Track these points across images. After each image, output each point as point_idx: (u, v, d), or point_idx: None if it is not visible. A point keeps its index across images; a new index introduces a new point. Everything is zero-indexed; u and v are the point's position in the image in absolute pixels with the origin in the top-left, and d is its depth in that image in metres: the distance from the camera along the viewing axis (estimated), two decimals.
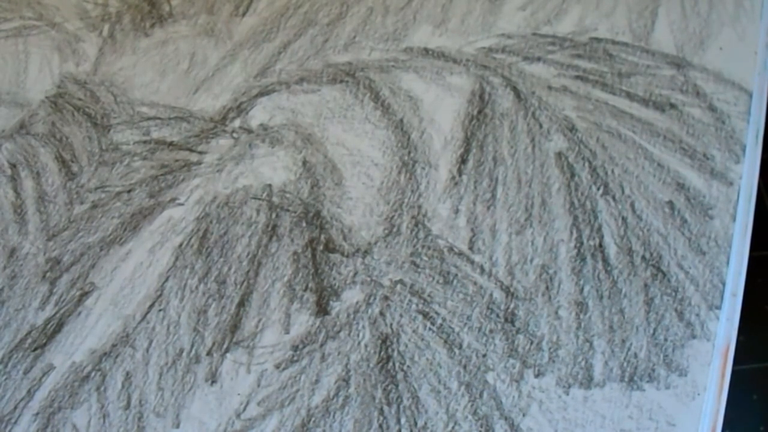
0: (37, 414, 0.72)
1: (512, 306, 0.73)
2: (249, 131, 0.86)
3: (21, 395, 0.73)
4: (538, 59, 0.87)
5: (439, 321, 0.73)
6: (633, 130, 0.81)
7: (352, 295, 0.75)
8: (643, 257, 0.74)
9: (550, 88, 0.85)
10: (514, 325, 0.72)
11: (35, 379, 0.73)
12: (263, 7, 0.95)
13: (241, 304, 0.75)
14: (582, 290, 0.73)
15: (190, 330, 0.75)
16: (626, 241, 0.75)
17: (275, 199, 0.81)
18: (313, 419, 0.70)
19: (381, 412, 0.70)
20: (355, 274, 0.76)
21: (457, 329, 0.72)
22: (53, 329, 0.76)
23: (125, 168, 0.85)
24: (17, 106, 0.90)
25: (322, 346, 0.73)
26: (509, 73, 0.86)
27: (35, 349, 0.75)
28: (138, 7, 0.97)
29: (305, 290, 0.76)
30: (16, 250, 0.80)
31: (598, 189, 0.78)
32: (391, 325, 0.73)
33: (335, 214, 0.80)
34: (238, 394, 0.71)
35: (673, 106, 0.82)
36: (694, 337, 0.70)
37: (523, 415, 0.68)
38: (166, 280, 0.77)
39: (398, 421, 0.69)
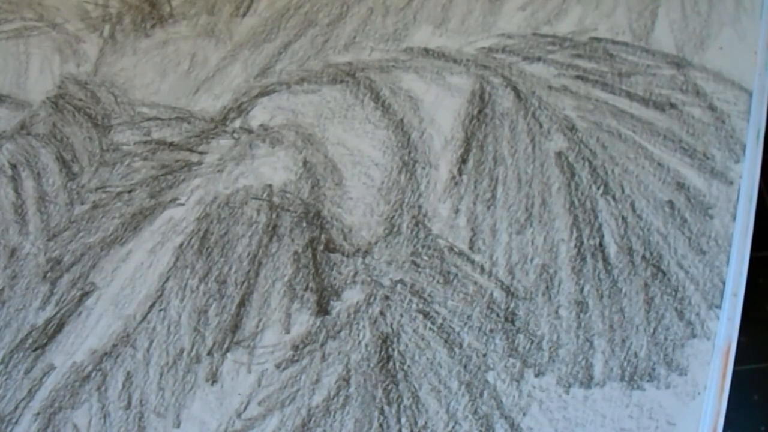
0: (38, 414, 0.72)
1: (512, 305, 0.73)
2: (249, 131, 0.86)
3: (22, 395, 0.73)
4: (538, 59, 0.87)
5: (440, 320, 0.73)
6: (633, 130, 0.81)
7: (353, 295, 0.75)
8: (643, 257, 0.74)
9: (550, 87, 0.85)
10: (514, 325, 0.72)
11: (36, 379, 0.74)
12: (263, 8, 0.95)
13: (242, 303, 0.76)
14: (582, 290, 0.73)
15: (190, 330, 0.75)
16: (626, 241, 0.75)
17: (276, 199, 0.81)
18: (313, 419, 0.70)
19: (381, 411, 0.70)
20: (356, 273, 0.76)
21: (457, 329, 0.72)
22: (54, 329, 0.76)
23: (126, 168, 0.85)
24: (18, 107, 0.90)
25: (322, 345, 0.73)
26: (509, 73, 0.86)
27: (36, 349, 0.75)
28: (138, 8, 0.97)
29: (306, 290, 0.76)
30: (17, 251, 0.80)
31: (598, 188, 0.78)
32: (392, 324, 0.73)
33: (335, 214, 0.80)
34: (239, 394, 0.71)
35: (673, 105, 0.82)
36: (694, 336, 0.70)
37: (524, 415, 0.68)
38: (167, 280, 0.77)
39: (398, 420, 0.69)
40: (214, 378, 0.72)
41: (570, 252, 0.75)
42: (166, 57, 0.93)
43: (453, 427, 0.68)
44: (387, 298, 0.74)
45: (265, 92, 0.89)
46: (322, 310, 0.75)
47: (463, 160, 0.81)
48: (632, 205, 0.77)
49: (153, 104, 0.89)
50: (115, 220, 0.81)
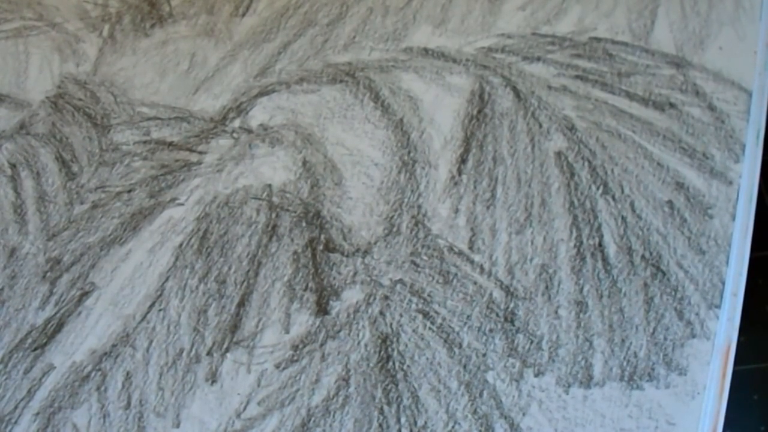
0: (38, 414, 0.72)
1: (512, 305, 0.73)
2: (249, 131, 0.86)
3: (21, 395, 0.73)
4: (538, 59, 0.87)
5: (439, 320, 0.73)
6: (632, 130, 0.81)
7: (352, 295, 0.75)
8: (643, 256, 0.74)
9: (549, 87, 0.85)
10: (513, 325, 0.72)
11: (35, 378, 0.74)
12: (263, 8, 0.95)
13: (241, 303, 0.76)
14: (582, 289, 0.73)
15: (190, 330, 0.75)
16: (626, 241, 0.75)
17: (275, 199, 0.81)
18: (313, 419, 0.70)
19: (381, 411, 0.70)
20: (355, 273, 0.76)
21: (456, 329, 0.72)
22: (53, 329, 0.76)
23: (125, 168, 0.85)
24: (18, 107, 0.90)
25: (322, 345, 0.73)
26: (509, 73, 0.86)
27: (35, 349, 0.75)
28: (138, 8, 0.97)
29: (305, 290, 0.76)
30: (17, 250, 0.80)
31: (598, 188, 0.78)
32: (391, 324, 0.73)
33: (335, 214, 0.80)
34: (239, 394, 0.71)
35: (672, 105, 0.82)
36: (693, 336, 0.70)
37: (523, 415, 0.68)
38: (167, 280, 0.77)
39: (398, 420, 0.69)
40: (213, 378, 0.72)
41: (569, 252, 0.75)
42: (165, 57, 0.93)
43: (452, 427, 0.68)
44: (386, 297, 0.74)
45: (264, 92, 0.89)
46: (322, 310, 0.75)
47: (463, 160, 0.81)
48: (632, 204, 0.77)
49: (152, 104, 0.89)
50: (115, 219, 0.81)
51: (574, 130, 0.81)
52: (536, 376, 0.70)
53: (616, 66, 0.85)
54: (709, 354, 0.69)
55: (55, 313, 0.77)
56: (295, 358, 0.72)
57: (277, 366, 0.72)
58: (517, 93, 0.85)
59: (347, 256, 0.77)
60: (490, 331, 0.72)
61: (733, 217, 0.75)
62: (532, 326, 0.72)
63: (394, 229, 0.78)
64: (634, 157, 0.79)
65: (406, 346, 0.72)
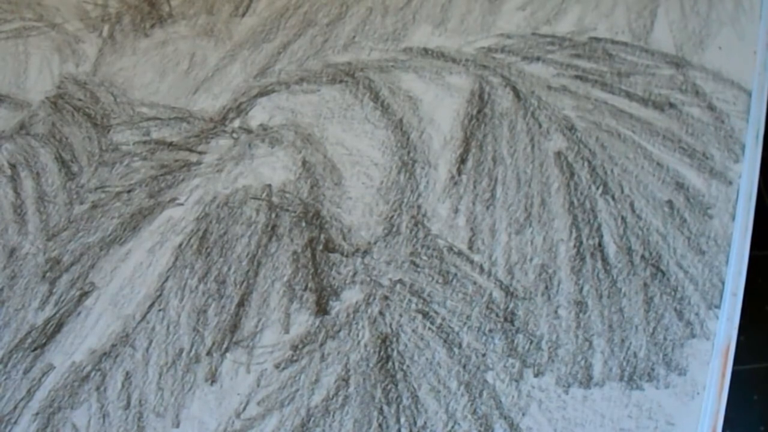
0: (37, 414, 0.72)
1: (512, 305, 0.73)
2: (249, 131, 0.86)
3: (21, 395, 0.73)
4: (538, 59, 0.87)
5: (439, 320, 0.73)
6: (632, 130, 0.81)
7: (352, 295, 0.75)
8: (643, 256, 0.74)
9: (549, 87, 0.85)
10: (513, 325, 0.72)
11: (35, 378, 0.74)
12: (263, 8, 0.95)
13: (241, 303, 0.76)
14: (581, 290, 0.73)
15: (189, 330, 0.75)
16: (625, 241, 0.75)
17: (275, 199, 0.81)
18: (312, 419, 0.70)
19: (381, 411, 0.70)
20: (355, 273, 0.76)
21: (456, 329, 0.72)
22: (53, 329, 0.76)
23: (125, 168, 0.85)
24: (17, 107, 0.90)
25: (321, 345, 0.73)
26: (508, 73, 0.86)
27: (35, 349, 0.75)
28: (138, 8, 0.97)
29: (305, 290, 0.76)
30: (16, 250, 0.80)
31: (598, 188, 0.78)
32: (391, 324, 0.73)
33: (335, 214, 0.80)
34: (238, 394, 0.71)
35: (672, 105, 0.82)
36: (693, 336, 0.70)
37: (523, 415, 0.68)
38: (166, 280, 0.77)
39: (398, 420, 0.69)
40: (213, 378, 0.72)
41: (569, 252, 0.75)
42: (165, 57, 0.93)
43: (452, 427, 0.68)
44: (386, 298, 0.74)
45: (264, 92, 0.89)
46: (322, 310, 0.75)
47: (463, 160, 0.81)
48: (631, 204, 0.77)
49: (152, 104, 0.89)
50: (115, 219, 0.81)
51: (573, 130, 0.81)
52: (536, 376, 0.70)
53: (616, 66, 0.85)
54: (709, 354, 0.69)
55: (55, 313, 0.77)
56: (295, 358, 0.72)
57: (277, 366, 0.72)
58: (516, 93, 0.85)
59: (347, 256, 0.77)
60: (490, 331, 0.72)
61: (733, 217, 0.75)
62: (532, 326, 0.72)
63: (394, 229, 0.78)
64: (634, 157, 0.79)
65: (406, 346, 0.72)
